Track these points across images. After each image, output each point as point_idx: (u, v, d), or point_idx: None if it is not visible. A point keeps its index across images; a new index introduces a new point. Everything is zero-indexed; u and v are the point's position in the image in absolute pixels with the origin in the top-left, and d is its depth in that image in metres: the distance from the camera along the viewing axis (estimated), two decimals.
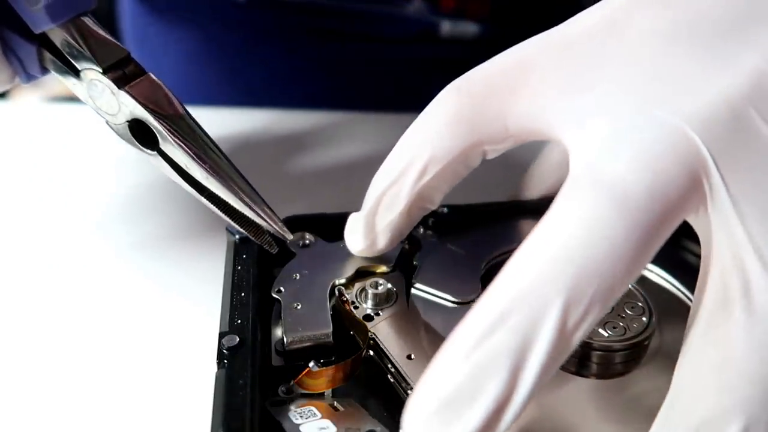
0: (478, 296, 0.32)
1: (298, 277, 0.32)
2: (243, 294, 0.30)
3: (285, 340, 0.28)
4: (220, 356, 0.27)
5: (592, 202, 0.21)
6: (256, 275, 0.31)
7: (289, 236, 0.31)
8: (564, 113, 0.25)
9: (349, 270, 0.32)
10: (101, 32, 0.30)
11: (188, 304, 0.36)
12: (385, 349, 0.28)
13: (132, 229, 0.40)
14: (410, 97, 0.60)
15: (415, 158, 0.27)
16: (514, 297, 0.21)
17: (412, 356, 0.28)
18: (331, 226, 0.34)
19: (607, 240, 0.21)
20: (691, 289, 0.23)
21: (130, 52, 0.30)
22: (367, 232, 0.30)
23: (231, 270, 0.31)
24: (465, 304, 0.31)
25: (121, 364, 0.33)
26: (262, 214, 0.30)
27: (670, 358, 0.23)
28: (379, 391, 0.28)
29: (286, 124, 0.51)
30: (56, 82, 0.31)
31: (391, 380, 0.28)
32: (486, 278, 0.33)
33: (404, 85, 0.61)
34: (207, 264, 0.37)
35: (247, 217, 0.30)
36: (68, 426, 0.30)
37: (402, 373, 0.27)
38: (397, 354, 0.28)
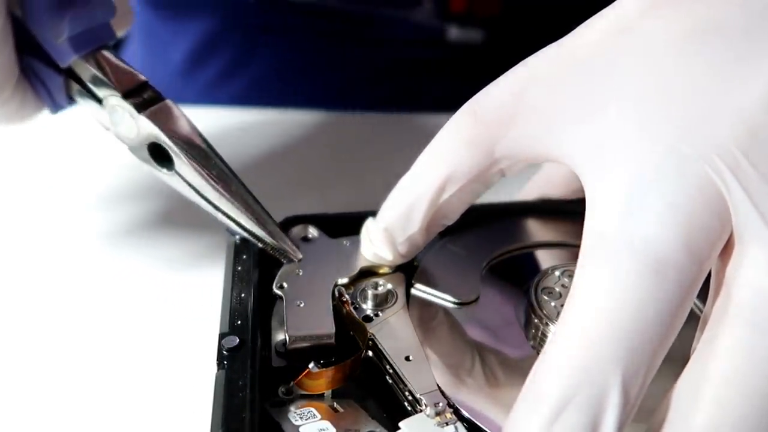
0: (477, 297, 0.32)
1: (301, 273, 0.31)
2: (243, 295, 0.30)
3: (287, 338, 0.28)
4: (220, 357, 0.27)
5: (631, 270, 0.22)
6: (256, 276, 0.31)
7: (299, 255, 0.32)
8: (577, 141, 0.25)
9: (353, 269, 0.32)
10: (121, 62, 0.32)
11: (188, 305, 0.36)
12: (383, 351, 0.28)
13: (132, 229, 0.40)
14: (414, 97, 0.60)
15: (434, 178, 0.28)
16: (574, 374, 0.21)
17: (411, 357, 0.28)
18: (333, 227, 0.34)
19: (652, 306, 0.21)
20: (702, 296, 0.23)
21: (148, 80, 0.32)
22: (385, 243, 0.30)
23: (231, 271, 0.31)
24: (465, 305, 0.31)
25: (121, 365, 0.33)
26: (274, 234, 0.31)
27: (676, 363, 0.23)
28: (379, 392, 0.28)
29: (287, 123, 0.51)
30: None
31: (390, 381, 0.28)
32: (486, 279, 0.33)
33: (408, 86, 0.60)
34: (207, 265, 0.37)
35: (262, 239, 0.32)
36: (69, 426, 0.30)
37: (400, 374, 0.27)
38: (395, 355, 0.28)
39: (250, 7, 0.59)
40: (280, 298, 0.30)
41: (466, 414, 0.26)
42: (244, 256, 0.32)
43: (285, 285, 0.31)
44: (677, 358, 0.24)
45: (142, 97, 0.31)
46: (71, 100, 0.33)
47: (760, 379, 0.21)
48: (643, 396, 0.27)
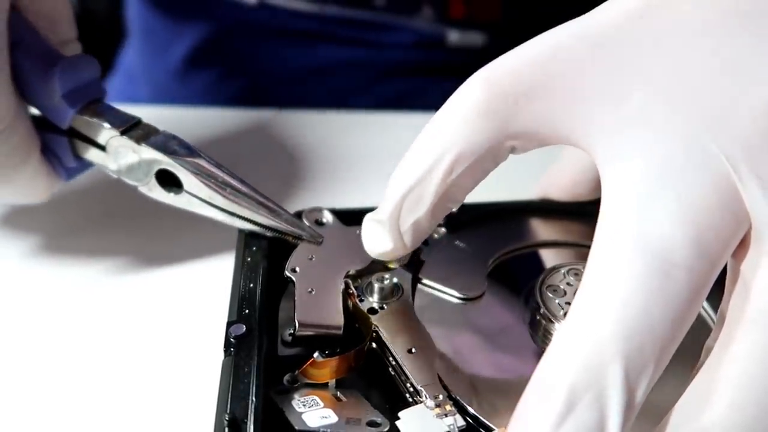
0: (483, 293, 0.32)
1: (313, 259, 0.32)
2: (252, 285, 0.31)
3: (296, 324, 0.29)
4: (227, 344, 0.28)
5: (640, 269, 0.21)
6: (265, 266, 0.32)
7: (321, 237, 0.33)
8: (596, 126, 0.24)
9: (365, 260, 0.32)
10: (113, 108, 0.35)
11: (200, 294, 0.36)
12: (386, 342, 0.29)
13: (146, 221, 0.41)
14: (414, 98, 0.60)
15: (443, 154, 0.25)
16: (582, 371, 0.21)
17: (413, 350, 0.28)
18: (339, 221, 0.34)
19: (660, 305, 0.21)
20: (712, 296, 0.23)
21: (141, 119, 0.35)
22: (390, 234, 0.28)
23: (240, 261, 0.32)
24: (470, 300, 0.32)
25: (134, 351, 0.34)
26: (290, 223, 0.33)
27: (681, 365, 0.24)
28: (383, 383, 0.29)
29: (287, 123, 0.51)
30: None
31: (392, 373, 0.28)
32: (492, 276, 0.33)
33: (409, 87, 0.61)
34: (219, 255, 0.38)
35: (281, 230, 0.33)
36: (75, 411, 0.31)
37: (401, 366, 0.28)
38: (398, 347, 0.28)
39: (250, 11, 0.59)
40: (292, 282, 0.31)
41: (470, 409, 0.27)
42: (254, 248, 0.33)
43: (297, 269, 0.31)
44: (688, 359, 0.24)
45: (140, 131, 0.34)
46: (78, 158, 0.35)
47: None
48: (654, 398, 0.27)
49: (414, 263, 0.33)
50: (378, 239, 0.28)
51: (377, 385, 0.29)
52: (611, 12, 0.25)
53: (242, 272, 0.31)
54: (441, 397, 0.26)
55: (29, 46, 0.33)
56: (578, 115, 0.24)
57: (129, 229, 0.41)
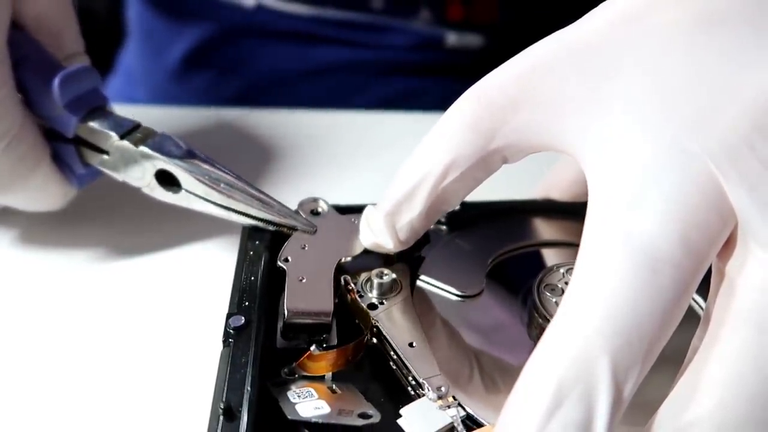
0: (481, 291, 0.32)
1: (306, 248, 0.32)
2: (253, 278, 0.31)
3: (285, 312, 0.29)
4: (226, 335, 0.28)
5: (627, 267, 0.22)
6: (266, 260, 0.32)
7: (313, 227, 0.33)
8: (580, 134, 0.25)
9: (357, 248, 0.32)
10: (114, 114, 0.36)
11: (203, 286, 0.37)
12: (387, 336, 0.29)
13: (149, 215, 0.41)
14: (413, 98, 0.60)
15: (436, 163, 0.28)
16: (568, 370, 0.21)
17: (414, 344, 0.28)
18: None
19: (647, 302, 0.21)
20: (700, 292, 0.23)
21: (140, 122, 0.36)
22: (384, 229, 0.30)
23: (242, 254, 0.32)
24: (468, 298, 0.32)
25: (134, 339, 0.34)
26: (284, 214, 0.33)
27: (673, 362, 0.24)
28: (381, 377, 0.29)
29: (287, 123, 0.51)
30: None
31: (393, 367, 0.28)
32: (491, 274, 0.33)
33: (407, 87, 0.61)
34: (223, 249, 0.38)
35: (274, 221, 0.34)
36: (72, 398, 0.31)
37: (403, 359, 0.28)
38: (399, 341, 0.28)
39: (248, 13, 0.60)
40: (284, 271, 0.31)
41: (465, 407, 0.26)
42: (257, 241, 0.33)
43: (289, 259, 0.31)
44: (677, 357, 0.24)
45: (139, 134, 0.35)
46: (87, 165, 0.36)
47: (764, 385, 0.21)
48: (643, 396, 0.27)
49: (413, 260, 0.33)
50: (374, 232, 0.30)
51: (377, 380, 0.29)
52: (593, 23, 0.26)
53: (244, 265, 0.32)
54: (444, 389, 0.26)
55: (33, 61, 0.35)
56: (561, 125, 0.25)
57: (136, 224, 0.41)
